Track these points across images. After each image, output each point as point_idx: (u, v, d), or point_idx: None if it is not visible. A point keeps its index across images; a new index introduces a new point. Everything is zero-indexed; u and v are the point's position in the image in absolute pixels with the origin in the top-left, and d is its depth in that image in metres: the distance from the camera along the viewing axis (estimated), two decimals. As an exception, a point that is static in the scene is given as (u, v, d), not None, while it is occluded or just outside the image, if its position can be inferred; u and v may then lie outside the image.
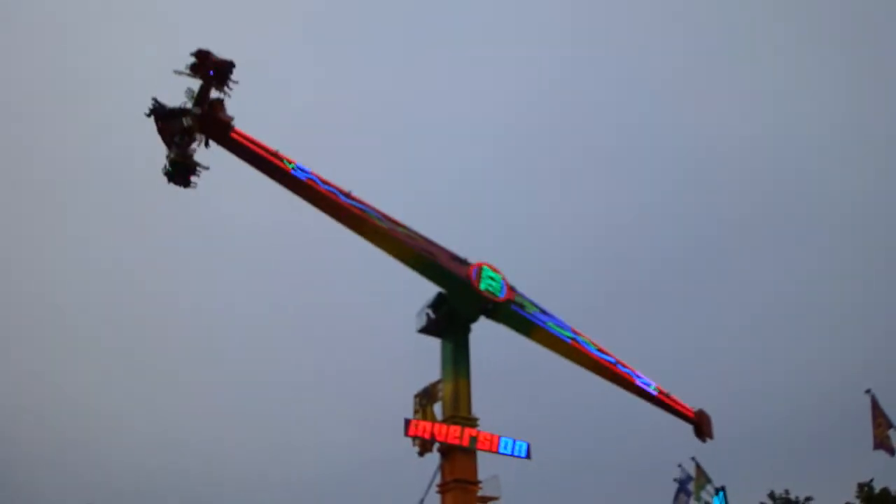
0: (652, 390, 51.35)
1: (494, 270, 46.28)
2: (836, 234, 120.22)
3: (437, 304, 46.92)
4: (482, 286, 45.37)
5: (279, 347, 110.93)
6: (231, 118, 38.08)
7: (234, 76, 37.16)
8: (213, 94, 37.46)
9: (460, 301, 46.15)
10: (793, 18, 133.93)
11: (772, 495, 62.09)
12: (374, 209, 42.55)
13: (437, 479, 43.69)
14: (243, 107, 38.50)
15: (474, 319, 46.97)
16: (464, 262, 45.76)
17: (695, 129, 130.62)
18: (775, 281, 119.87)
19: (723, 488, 45.98)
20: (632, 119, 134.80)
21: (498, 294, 45.85)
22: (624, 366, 50.29)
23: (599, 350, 49.58)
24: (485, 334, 47.47)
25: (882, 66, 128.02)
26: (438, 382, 46.03)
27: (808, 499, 61.73)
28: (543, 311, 47.98)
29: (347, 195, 41.80)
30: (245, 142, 39.11)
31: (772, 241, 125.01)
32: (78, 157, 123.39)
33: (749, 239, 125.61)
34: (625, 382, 50.60)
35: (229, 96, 37.59)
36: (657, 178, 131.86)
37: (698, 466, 48.52)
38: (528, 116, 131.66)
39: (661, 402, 52.10)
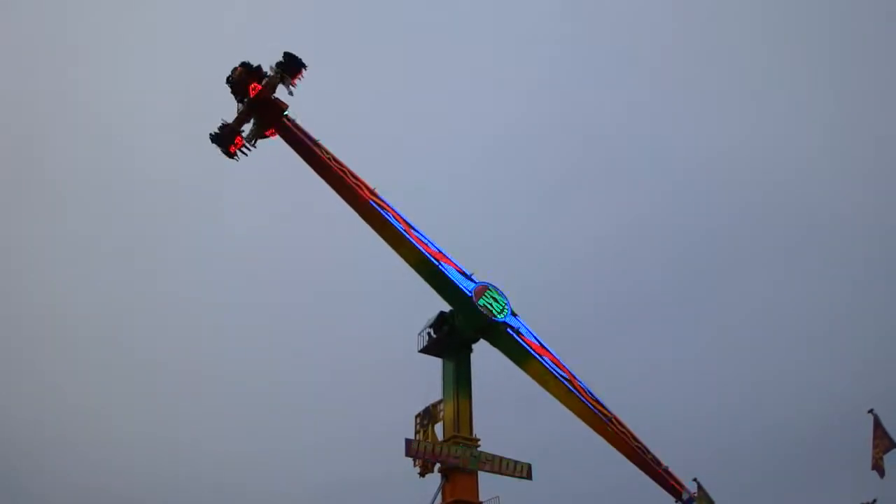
0: (648, 459, 48.92)
1: (499, 293, 46.39)
2: (835, 242, 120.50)
3: (437, 324, 47.12)
4: (481, 302, 45.43)
5: (279, 356, 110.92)
6: (286, 105, 41.83)
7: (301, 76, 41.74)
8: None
9: (460, 316, 46.34)
10: (787, 22, 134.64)
11: (774, 516, 62.05)
12: (393, 209, 44.19)
13: (438, 501, 43.64)
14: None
15: (474, 339, 47.14)
16: (469, 278, 46.00)
17: (688, 139, 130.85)
18: (774, 295, 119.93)
19: (725, 509, 45.91)
20: (622, 127, 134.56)
21: (496, 314, 45.85)
22: (620, 425, 48.32)
23: (595, 402, 47.95)
24: (486, 355, 47.59)
25: (875, 69, 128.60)
26: (439, 402, 46.16)
27: (811, 519, 61.69)
28: (542, 346, 47.43)
29: (372, 191, 43.77)
30: (292, 127, 42.60)
31: (770, 252, 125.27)
32: (77, 157, 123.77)
33: (745, 249, 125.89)
34: (617, 441, 48.48)
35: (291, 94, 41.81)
36: (652, 186, 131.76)
37: (700, 487, 48.48)
38: (508, 130, 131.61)
39: (656, 473, 49.07)
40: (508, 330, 46.39)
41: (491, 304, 45.77)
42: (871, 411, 41.74)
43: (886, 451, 40.06)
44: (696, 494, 48.16)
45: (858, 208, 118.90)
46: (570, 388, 47.47)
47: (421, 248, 44.52)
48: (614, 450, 49.10)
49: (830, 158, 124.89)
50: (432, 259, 44.74)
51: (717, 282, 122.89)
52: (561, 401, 48.16)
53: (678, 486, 49.15)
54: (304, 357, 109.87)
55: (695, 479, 48.98)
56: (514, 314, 46.63)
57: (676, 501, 49.96)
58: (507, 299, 46.54)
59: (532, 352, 46.94)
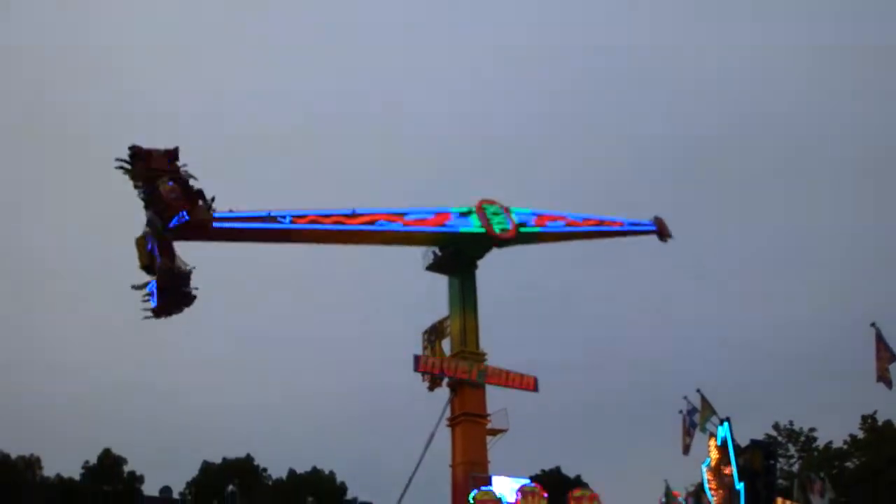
0: (621, 227, 52.82)
1: (495, 205, 46.04)
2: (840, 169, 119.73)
3: (443, 241, 47.10)
4: (496, 230, 45.30)
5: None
6: (208, 212, 33.71)
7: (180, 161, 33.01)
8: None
9: (474, 247, 46.31)
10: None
11: (776, 427, 63.30)
12: (382, 216, 42.14)
13: (447, 414, 44.48)
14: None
15: (481, 256, 47.13)
16: (468, 213, 45.40)
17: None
18: (781, 214, 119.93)
19: (727, 419, 46.63)
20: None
21: (508, 229, 45.78)
22: (608, 223, 51.95)
23: (590, 221, 50.81)
24: (492, 269, 48.02)
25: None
26: (446, 319, 46.47)
27: (812, 430, 62.94)
28: (535, 213, 48.19)
29: (352, 216, 40.93)
30: (232, 224, 36.09)
31: (779, 176, 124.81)
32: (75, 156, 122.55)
33: (759, 175, 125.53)
34: (608, 232, 52.26)
35: (195, 178, 33.25)
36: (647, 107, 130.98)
37: (703, 398, 49.19)
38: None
39: (626, 231, 53.34)
40: (520, 230, 46.35)
41: (500, 224, 45.53)
42: (873, 324, 42.10)
43: (889, 363, 40.47)
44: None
45: (850, 127, 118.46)
46: (574, 228, 49.73)
47: (423, 233, 43.75)
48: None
49: (822, 81, 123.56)
50: (440, 230, 44.16)
51: (728, 205, 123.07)
52: (568, 240, 51.01)
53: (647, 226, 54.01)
54: (317, 282, 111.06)
55: (698, 390, 49.86)
56: (508, 211, 46.45)
57: (680, 411, 50.88)
58: (502, 207, 46.20)
59: (542, 229, 47.86)
